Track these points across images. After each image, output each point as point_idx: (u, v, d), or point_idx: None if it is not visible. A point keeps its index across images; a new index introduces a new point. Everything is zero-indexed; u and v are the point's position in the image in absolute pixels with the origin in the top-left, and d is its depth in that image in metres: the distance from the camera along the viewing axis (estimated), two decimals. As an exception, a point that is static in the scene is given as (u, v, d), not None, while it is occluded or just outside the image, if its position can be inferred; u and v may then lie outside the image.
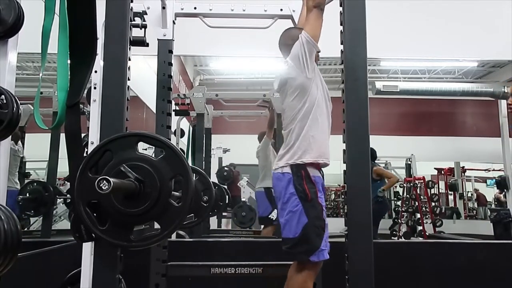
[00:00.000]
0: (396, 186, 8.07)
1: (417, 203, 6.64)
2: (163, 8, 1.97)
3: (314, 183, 1.75)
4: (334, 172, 4.18)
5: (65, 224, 3.56)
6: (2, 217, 0.95)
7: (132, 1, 1.34)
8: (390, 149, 6.10)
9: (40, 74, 1.36)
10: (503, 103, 5.75)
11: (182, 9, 2.06)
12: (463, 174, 9.09)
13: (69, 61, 1.24)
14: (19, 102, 1.09)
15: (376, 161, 6.00)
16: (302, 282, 1.71)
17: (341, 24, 1.38)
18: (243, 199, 4.83)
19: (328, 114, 1.86)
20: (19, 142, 3.21)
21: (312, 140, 1.77)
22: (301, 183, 1.73)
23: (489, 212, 7.77)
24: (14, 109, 1.07)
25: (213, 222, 5.19)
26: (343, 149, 1.33)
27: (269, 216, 4.16)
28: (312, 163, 1.77)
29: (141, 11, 1.76)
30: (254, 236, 4.26)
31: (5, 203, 1.11)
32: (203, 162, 3.99)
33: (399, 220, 6.64)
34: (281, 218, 1.77)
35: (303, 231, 1.69)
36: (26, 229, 3.26)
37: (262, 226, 4.46)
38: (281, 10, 2.12)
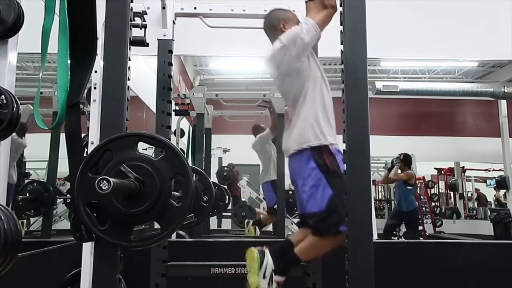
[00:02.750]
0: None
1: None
2: (163, 8, 1.97)
3: (335, 155, 1.70)
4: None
5: (65, 224, 3.56)
6: (2, 217, 0.95)
7: (132, 1, 1.34)
8: (390, 149, 6.10)
9: (40, 74, 1.36)
10: (503, 103, 5.74)
11: (182, 9, 2.06)
12: (463, 174, 9.10)
13: (69, 61, 1.24)
14: (19, 102, 1.09)
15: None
16: (325, 247, 1.68)
17: (341, 24, 1.38)
18: (243, 199, 4.83)
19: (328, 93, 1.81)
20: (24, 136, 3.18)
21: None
22: (321, 156, 1.69)
23: (489, 212, 7.77)
24: (14, 109, 1.07)
25: (213, 222, 5.19)
26: (343, 149, 1.33)
27: (274, 207, 4.18)
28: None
29: (141, 11, 1.76)
30: (254, 236, 4.26)
31: (5, 203, 1.11)
32: (203, 162, 3.98)
33: (399, 220, 6.64)
34: (303, 193, 1.71)
35: (330, 203, 1.63)
36: (26, 229, 3.26)
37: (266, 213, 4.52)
38: (281, 10, 2.10)
